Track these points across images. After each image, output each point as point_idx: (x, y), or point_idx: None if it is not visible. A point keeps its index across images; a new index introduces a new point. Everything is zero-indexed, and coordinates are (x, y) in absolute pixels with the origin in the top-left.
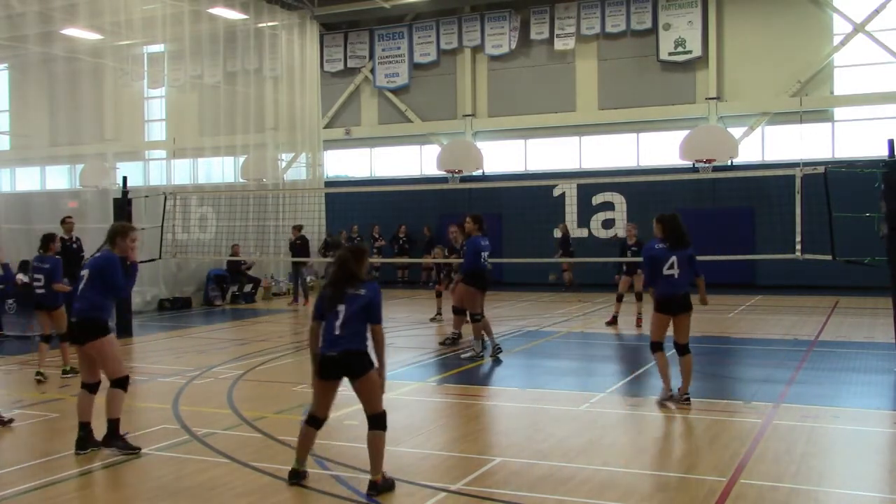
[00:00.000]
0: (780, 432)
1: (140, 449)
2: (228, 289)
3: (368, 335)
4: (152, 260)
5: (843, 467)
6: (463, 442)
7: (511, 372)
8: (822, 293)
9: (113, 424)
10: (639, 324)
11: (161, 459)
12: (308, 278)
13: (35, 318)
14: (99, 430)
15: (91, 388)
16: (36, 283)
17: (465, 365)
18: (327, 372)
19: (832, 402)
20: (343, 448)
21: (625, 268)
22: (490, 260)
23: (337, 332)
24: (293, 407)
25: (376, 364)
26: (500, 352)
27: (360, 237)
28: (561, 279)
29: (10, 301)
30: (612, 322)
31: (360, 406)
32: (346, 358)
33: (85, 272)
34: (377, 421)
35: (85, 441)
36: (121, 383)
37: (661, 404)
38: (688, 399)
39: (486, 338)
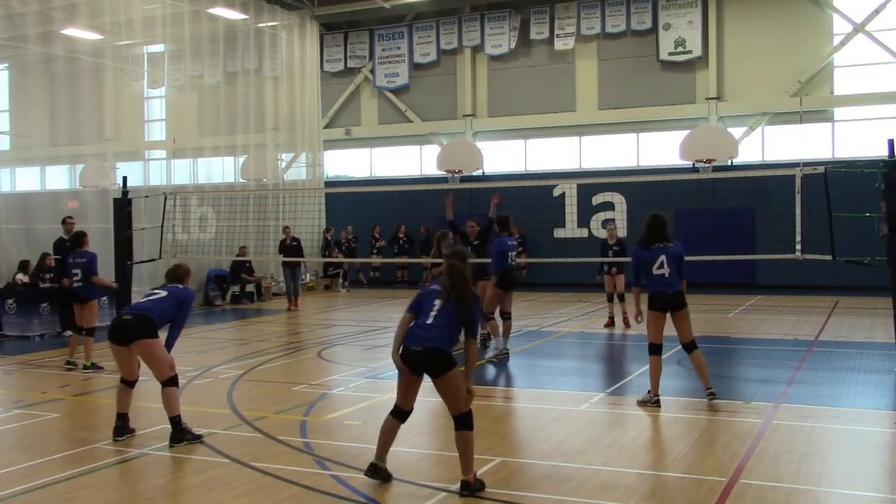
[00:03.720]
0: (780, 432)
1: (202, 435)
2: (228, 289)
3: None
4: (152, 260)
5: (843, 467)
6: None
7: (511, 372)
8: (822, 293)
9: (176, 421)
10: (626, 323)
11: (161, 459)
12: (305, 276)
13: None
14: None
15: (131, 383)
16: (74, 278)
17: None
18: (410, 366)
19: (832, 402)
20: (343, 448)
21: (606, 268)
22: (485, 260)
23: (429, 322)
24: (293, 407)
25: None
26: (506, 356)
27: (354, 237)
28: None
29: (10, 301)
30: (610, 323)
31: (359, 406)
32: (428, 354)
33: (163, 292)
34: (462, 420)
35: (122, 429)
36: (172, 381)
37: (641, 404)
38: (713, 394)
39: (494, 338)
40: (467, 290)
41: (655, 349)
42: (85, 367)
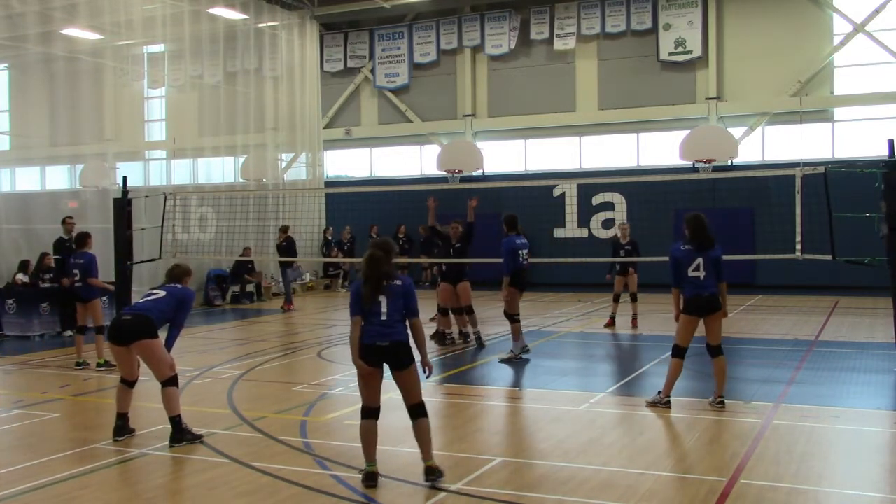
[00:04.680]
0: (780, 432)
1: (202, 435)
2: (228, 289)
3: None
4: (152, 260)
5: (843, 467)
6: (463, 442)
7: (511, 372)
8: (822, 293)
9: (176, 421)
10: (634, 324)
11: (161, 459)
12: (305, 275)
13: (79, 309)
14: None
15: (131, 384)
16: (74, 278)
17: (470, 364)
18: (373, 360)
19: (832, 402)
20: (343, 448)
21: (618, 267)
22: (486, 260)
23: (384, 318)
24: (293, 407)
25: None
26: (523, 354)
27: (352, 237)
28: None
29: (10, 301)
30: (611, 324)
31: (359, 406)
32: (395, 348)
33: (162, 292)
34: (420, 408)
35: (122, 429)
36: (172, 381)
37: (651, 405)
38: (722, 402)
39: (514, 341)
40: (382, 278)
41: (679, 352)
42: (98, 366)
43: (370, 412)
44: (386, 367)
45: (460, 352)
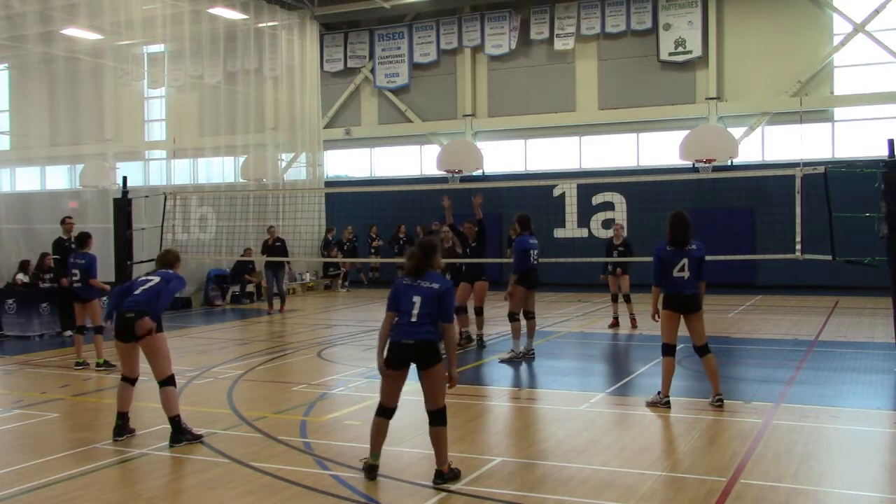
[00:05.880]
0: (780, 432)
1: (202, 435)
2: (228, 289)
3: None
4: (152, 260)
5: (843, 467)
6: (463, 442)
7: (511, 372)
8: (822, 293)
9: (176, 421)
10: (634, 324)
11: (161, 459)
12: (305, 275)
13: (75, 309)
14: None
15: (132, 381)
16: (73, 278)
17: (470, 364)
18: (398, 360)
19: (832, 402)
20: (343, 448)
21: (610, 268)
22: (489, 260)
23: (414, 320)
24: (293, 407)
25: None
26: (532, 357)
27: (354, 237)
28: None
29: (10, 301)
30: (615, 324)
31: (359, 406)
32: (419, 346)
33: (157, 277)
34: (438, 416)
35: (122, 429)
36: (171, 380)
37: (651, 405)
38: (721, 400)
39: (514, 341)
40: (423, 268)
41: (669, 350)
42: (98, 366)
43: (384, 411)
44: (414, 368)
45: (460, 352)
